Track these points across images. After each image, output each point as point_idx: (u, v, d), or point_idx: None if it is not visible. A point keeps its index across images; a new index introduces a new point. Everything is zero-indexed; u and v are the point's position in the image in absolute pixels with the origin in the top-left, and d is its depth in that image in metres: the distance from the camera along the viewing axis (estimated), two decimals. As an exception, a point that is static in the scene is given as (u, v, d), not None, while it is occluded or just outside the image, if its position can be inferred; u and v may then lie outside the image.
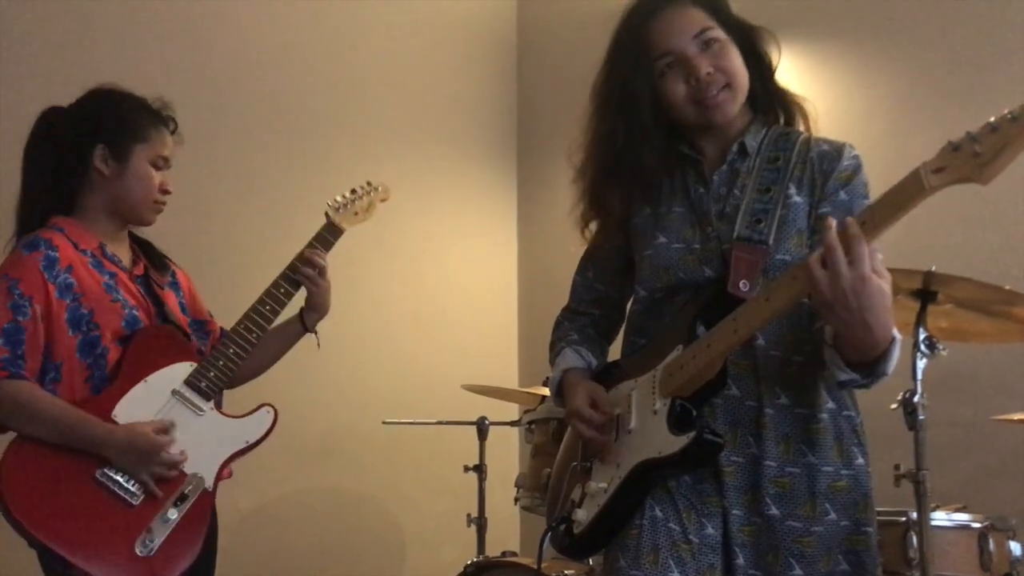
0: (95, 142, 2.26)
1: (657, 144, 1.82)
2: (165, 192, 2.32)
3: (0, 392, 2.06)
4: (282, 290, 2.35)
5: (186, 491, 2.15)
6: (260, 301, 2.34)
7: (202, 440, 2.20)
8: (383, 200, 2.60)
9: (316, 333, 2.46)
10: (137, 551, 2.07)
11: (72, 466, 2.07)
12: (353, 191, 2.55)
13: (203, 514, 2.19)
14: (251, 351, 2.31)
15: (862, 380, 1.62)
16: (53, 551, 2.01)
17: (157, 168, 2.31)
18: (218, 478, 2.22)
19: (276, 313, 2.35)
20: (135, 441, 2.10)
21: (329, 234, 2.45)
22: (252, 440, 2.28)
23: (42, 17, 3.29)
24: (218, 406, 2.27)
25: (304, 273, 2.37)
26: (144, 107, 2.33)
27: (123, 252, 2.33)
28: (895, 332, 1.56)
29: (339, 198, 2.52)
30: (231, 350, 2.28)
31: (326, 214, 2.48)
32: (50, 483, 2.06)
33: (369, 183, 2.58)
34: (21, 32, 3.24)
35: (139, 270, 2.33)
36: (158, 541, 2.09)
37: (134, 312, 2.22)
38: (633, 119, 1.81)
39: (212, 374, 2.24)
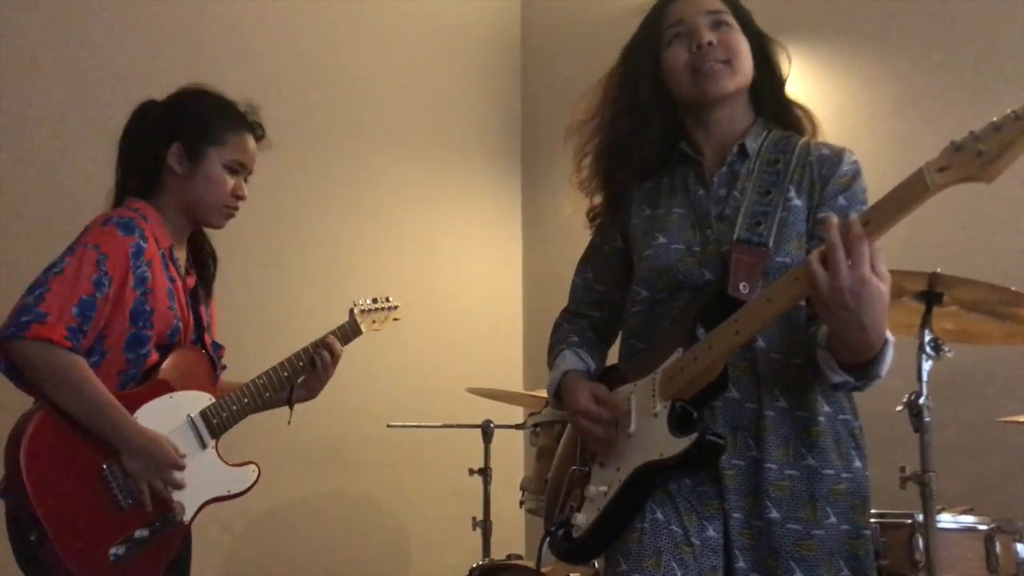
0: (173, 140, 2.28)
1: (654, 120, 1.84)
2: (239, 198, 2.34)
3: (57, 360, 2.06)
4: (301, 363, 2.47)
5: (167, 516, 2.17)
6: (280, 366, 2.43)
7: (197, 474, 2.22)
8: (395, 320, 2.78)
9: (292, 410, 2.53)
10: (110, 557, 2.08)
11: (87, 451, 2.09)
12: (375, 300, 2.71)
13: (172, 543, 2.21)
14: (260, 406, 2.38)
15: (855, 383, 1.62)
16: (40, 524, 2.00)
17: (233, 172, 2.32)
18: (195, 515, 2.24)
19: (291, 381, 2.46)
20: (155, 450, 2.13)
21: (351, 331, 2.60)
22: (234, 491, 2.32)
23: (36, 15, 3.29)
24: (216, 446, 2.30)
25: (322, 357, 2.48)
26: (228, 110, 2.35)
27: (183, 257, 2.35)
28: (888, 335, 1.56)
29: (365, 302, 2.68)
30: (246, 400, 2.34)
31: (351, 311, 2.62)
32: (64, 460, 2.07)
33: (389, 299, 2.75)
34: (16, 29, 3.25)
35: (191, 281, 2.35)
36: (129, 555, 2.10)
37: (179, 324, 2.25)
38: (632, 91, 1.85)
39: (225, 414, 2.29)
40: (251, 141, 2.36)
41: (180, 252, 2.34)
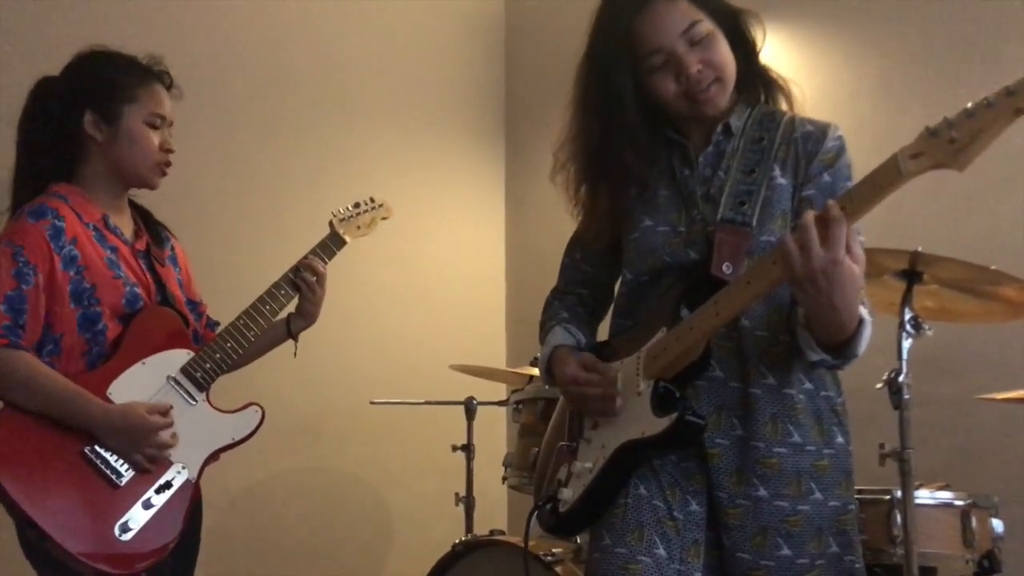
0: (84, 108, 2.21)
1: (641, 142, 1.81)
2: (167, 151, 2.27)
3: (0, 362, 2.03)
4: (282, 292, 2.37)
5: (171, 479, 2.14)
6: (260, 300, 2.34)
7: (191, 431, 2.18)
8: (384, 218, 2.63)
9: (296, 341, 2.46)
10: (116, 533, 2.05)
11: (61, 440, 2.05)
12: (357, 204, 2.58)
13: (183, 504, 2.17)
14: (248, 348, 2.31)
15: (833, 361, 1.64)
16: (35, 524, 1.98)
17: (154, 127, 2.25)
18: (201, 470, 2.21)
19: (275, 313, 2.36)
20: (131, 421, 2.08)
21: (332, 244, 2.48)
22: (238, 438, 2.27)
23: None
24: (208, 398, 2.26)
25: (304, 278, 2.38)
26: (132, 65, 2.27)
27: (125, 223, 2.29)
28: (864, 314, 1.58)
29: (343, 210, 2.54)
30: (228, 344, 2.27)
31: (330, 223, 2.50)
32: (39, 456, 2.03)
33: (372, 199, 2.61)
34: (7, 5, 3.21)
35: (141, 244, 2.29)
36: (137, 526, 2.07)
37: (135, 289, 2.19)
38: (615, 119, 1.80)
39: (208, 365, 2.23)
40: (163, 91, 2.29)
41: (119, 217, 2.27)
